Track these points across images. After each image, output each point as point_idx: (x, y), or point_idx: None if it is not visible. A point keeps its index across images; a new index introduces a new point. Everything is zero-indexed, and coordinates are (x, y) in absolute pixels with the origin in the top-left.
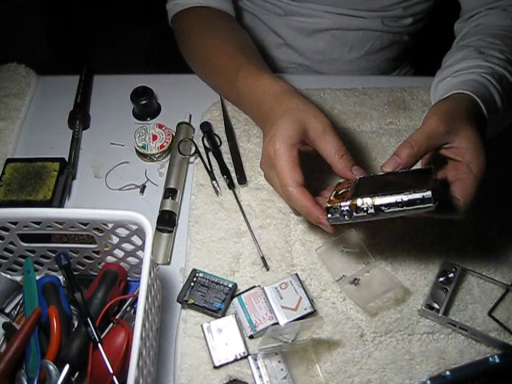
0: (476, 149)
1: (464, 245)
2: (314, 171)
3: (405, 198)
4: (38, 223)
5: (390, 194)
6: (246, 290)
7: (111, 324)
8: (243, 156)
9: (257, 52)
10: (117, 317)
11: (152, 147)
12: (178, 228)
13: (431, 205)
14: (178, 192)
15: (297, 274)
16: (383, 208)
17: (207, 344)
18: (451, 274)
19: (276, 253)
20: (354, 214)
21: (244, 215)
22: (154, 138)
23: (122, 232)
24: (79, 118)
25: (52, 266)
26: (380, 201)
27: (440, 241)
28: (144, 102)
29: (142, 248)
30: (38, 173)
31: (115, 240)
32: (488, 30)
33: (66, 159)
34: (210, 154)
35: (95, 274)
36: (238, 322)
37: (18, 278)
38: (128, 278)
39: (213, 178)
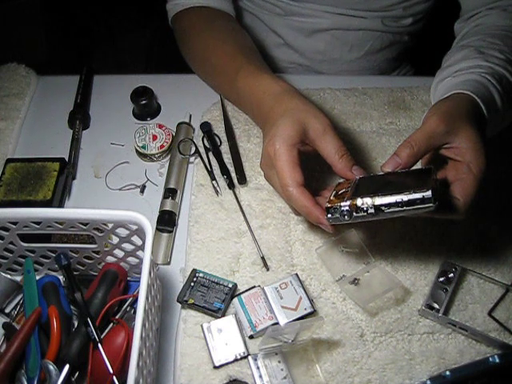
0: (476, 149)
1: (464, 245)
2: (314, 171)
3: (405, 197)
4: (38, 223)
5: (389, 194)
6: (246, 290)
7: (111, 324)
8: (243, 156)
9: (257, 52)
10: (117, 317)
11: (152, 147)
12: (178, 228)
13: (431, 205)
14: (178, 192)
15: (297, 274)
16: (383, 208)
17: (207, 344)
18: (451, 274)
19: (276, 253)
20: (354, 213)
21: (244, 215)
22: (154, 138)
23: (122, 232)
24: (79, 117)
25: (52, 266)
26: (380, 201)
27: (440, 241)
28: (144, 102)
29: (142, 248)
30: (38, 173)
31: (115, 240)
32: (488, 30)
33: (66, 159)
34: (210, 154)
35: (95, 274)
36: (238, 321)
37: (18, 278)
38: (128, 278)
39: (213, 178)
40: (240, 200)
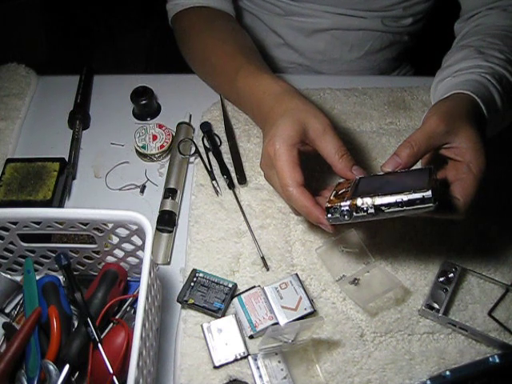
0: (476, 149)
1: (464, 245)
2: (314, 171)
3: (405, 197)
4: (38, 223)
5: (389, 194)
6: (246, 290)
7: (111, 324)
8: (243, 156)
9: (257, 52)
10: (117, 317)
11: (152, 147)
12: (178, 228)
13: (431, 205)
14: (178, 192)
15: (297, 274)
16: (383, 208)
17: (207, 344)
18: (451, 274)
19: (276, 253)
20: (354, 213)
21: (244, 215)
22: (154, 138)
23: (122, 232)
24: (79, 117)
25: (52, 266)
26: (380, 201)
27: (440, 241)
28: (144, 102)
29: (142, 248)
30: (38, 173)
31: (115, 240)
32: (488, 30)
33: (66, 159)
34: (210, 154)
35: (95, 273)
36: (238, 321)
37: (18, 278)
38: (128, 278)
39: (213, 178)
40: (240, 200)
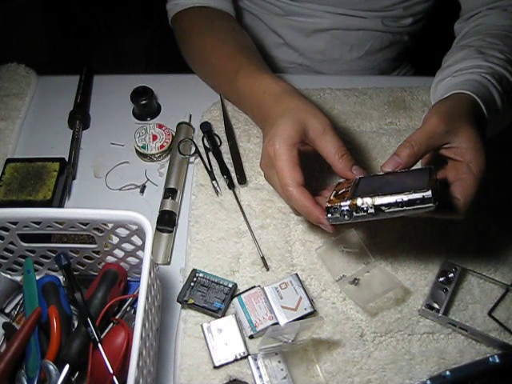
0: (476, 149)
1: (464, 245)
2: (313, 171)
3: (405, 197)
4: (38, 223)
5: (390, 194)
6: (246, 290)
7: (111, 324)
8: (243, 156)
9: (257, 52)
10: (117, 317)
11: (152, 147)
12: (178, 228)
13: (431, 205)
14: (178, 192)
15: (297, 274)
16: (383, 208)
17: (207, 344)
18: (451, 274)
19: (276, 253)
20: (354, 213)
21: (244, 215)
22: (154, 138)
23: (122, 232)
24: (79, 117)
25: (52, 265)
26: (380, 201)
27: (440, 241)
28: (144, 102)
29: (142, 248)
30: (38, 173)
31: (115, 240)
32: (488, 30)
33: (66, 159)
34: (210, 154)
35: (95, 274)
36: (238, 321)
37: (18, 278)
38: (128, 278)
39: (213, 178)
40: (240, 200)
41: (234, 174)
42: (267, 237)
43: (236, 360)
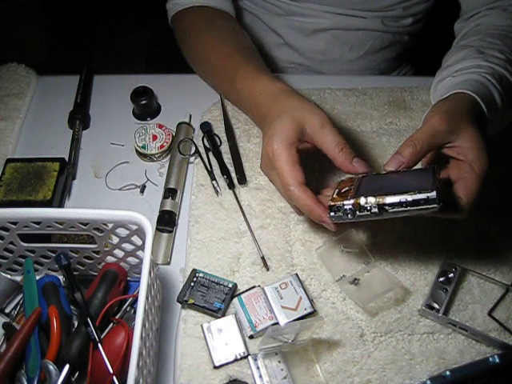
0: (478, 148)
1: (464, 245)
2: (314, 171)
3: (409, 198)
4: (38, 223)
5: (394, 194)
6: (246, 290)
7: (111, 324)
8: (243, 156)
9: (256, 52)
10: (117, 317)
11: (152, 147)
12: (178, 228)
13: (435, 205)
14: (178, 192)
15: (297, 274)
16: (387, 208)
17: (207, 344)
18: (451, 274)
19: (276, 253)
20: (358, 212)
21: (244, 215)
22: (154, 138)
23: (122, 232)
24: (79, 117)
25: (52, 265)
26: (384, 200)
27: (440, 241)
28: (144, 102)
29: (142, 248)
30: (38, 173)
31: (115, 240)
32: (488, 30)
33: (66, 159)
34: (210, 154)
35: (95, 273)
36: (238, 322)
37: (18, 278)
38: (128, 278)
39: (213, 178)
40: (240, 200)
41: (234, 174)
42: (267, 237)
43: (236, 360)
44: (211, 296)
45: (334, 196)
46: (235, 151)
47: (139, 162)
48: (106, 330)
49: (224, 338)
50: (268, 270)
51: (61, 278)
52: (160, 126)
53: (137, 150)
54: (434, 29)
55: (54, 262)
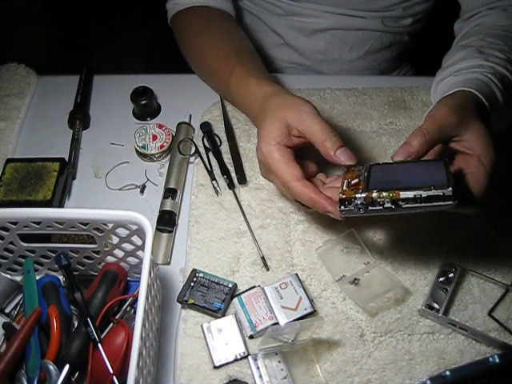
0: (486, 142)
1: (464, 245)
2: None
3: (424, 194)
4: (38, 223)
5: (408, 189)
6: (246, 290)
7: (111, 324)
8: (243, 156)
9: (253, 52)
10: (117, 317)
11: (152, 147)
12: (178, 228)
13: (451, 202)
14: (178, 192)
15: (297, 274)
16: (401, 203)
17: (207, 344)
18: (451, 274)
19: (276, 253)
20: (370, 207)
21: (244, 215)
22: (154, 138)
23: (122, 232)
24: (79, 117)
25: (52, 266)
26: (398, 195)
27: (440, 241)
28: (144, 102)
29: (142, 248)
30: (38, 173)
31: (115, 240)
32: (488, 29)
33: (66, 159)
34: (210, 154)
35: (95, 273)
36: (238, 322)
37: (18, 278)
38: (128, 278)
39: (213, 178)
40: (240, 200)
41: (234, 174)
42: (267, 237)
43: (236, 360)
44: (211, 296)
45: (344, 188)
46: (235, 151)
47: (139, 162)
48: (106, 330)
49: (224, 337)
50: (268, 269)
51: (61, 277)
52: (160, 126)
53: (137, 150)
54: (434, 29)
55: (53, 261)
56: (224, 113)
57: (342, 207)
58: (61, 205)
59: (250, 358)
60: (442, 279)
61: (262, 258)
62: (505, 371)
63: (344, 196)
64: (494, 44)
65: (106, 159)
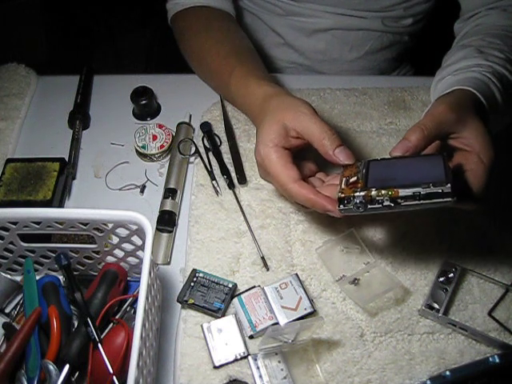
0: (485, 139)
1: (464, 242)
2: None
3: (423, 191)
4: (38, 223)
5: (407, 187)
6: (246, 290)
7: (111, 324)
8: (243, 156)
9: (252, 52)
10: (117, 317)
11: (152, 147)
12: (178, 228)
13: (450, 199)
14: (178, 192)
15: (297, 274)
16: (400, 201)
17: (207, 344)
18: (451, 274)
19: (276, 253)
20: (369, 205)
21: (244, 215)
22: (154, 138)
23: (122, 232)
24: (79, 117)
25: (52, 265)
26: (397, 193)
27: (440, 240)
28: (144, 102)
29: (142, 248)
30: (38, 173)
31: (115, 240)
32: (488, 29)
33: (66, 159)
34: (210, 154)
35: (95, 273)
36: (238, 322)
37: (18, 278)
38: (128, 278)
39: (213, 178)
40: (240, 200)
41: (234, 174)
42: (267, 237)
43: (236, 360)
44: (211, 296)
45: (343, 187)
46: (235, 151)
47: (139, 162)
48: (106, 330)
49: (224, 337)
50: (268, 269)
51: (61, 277)
52: (160, 126)
53: (137, 150)
54: (434, 29)
55: (53, 261)
56: (224, 113)
57: (341, 206)
58: (61, 205)
59: (249, 358)
60: (442, 279)
61: (262, 258)
62: (505, 371)
63: (343, 195)
64: (493, 44)
65: (106, 159)
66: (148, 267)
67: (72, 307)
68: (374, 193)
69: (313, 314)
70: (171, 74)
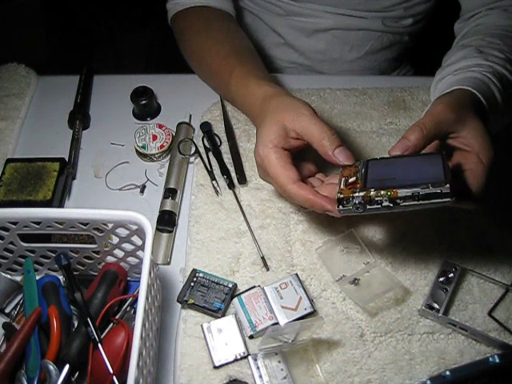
0: (484, 139)
1: (464, 241)
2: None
3: (422, 191)
4: (38, 223)
5: (406, 187)
6: (246, 290)
7: (111, 324)
8: (243, 156)
9: (252, 52)
10: (117, 317)
11: (152, 147)
12: (177, 228)
13: (448, 199)
14: (178, 192)
15: (297, 274)
16: (399, 201)
17: (207, 344)
18: (451, 274)
19: (276, 253)
20: (368, 206)
21: (244, 215)
22: (154, 138)
23: (122, 232)
24: (79, 117)
25: (52, 265)
26: (396, 194)
27: (440, 240)
28: (144, 102)
29: (142, 248)
30: (38, 173)
31: (115, 240)
32: (488, 29)
33: (66, 159)
34: (210, 154)
35: (95, 273)
36: (238, 322)
37: (18, 278)
38: (128, 278)
39: (213, 178)
40: (240, 200)
41: (234, 174)
42: (267, 237)
43: (236, 360)
44: (211, 296)
45: (342, 187)
46: (235, 151)
47: (139, 162)
48: (106, 330)
49: (224, 337)
50: (268, 269)
51: (61, 277)
52: (160, 126)
53: (137, 150)
54: (434, 29)
55: (53, 261)
56: (224, 113)
57: (341, 207)
58: (61, 205)
59: (249, 358)
60: (442, 279)
61: (262, 258)
62: (505, 371)
63: (342, 196)
64: (493, 44)
65: (106, 159)
66: (148, 267)
67: (72, 307)
68: (372, 193)
69: (313, 314)
70: (171, 74)
